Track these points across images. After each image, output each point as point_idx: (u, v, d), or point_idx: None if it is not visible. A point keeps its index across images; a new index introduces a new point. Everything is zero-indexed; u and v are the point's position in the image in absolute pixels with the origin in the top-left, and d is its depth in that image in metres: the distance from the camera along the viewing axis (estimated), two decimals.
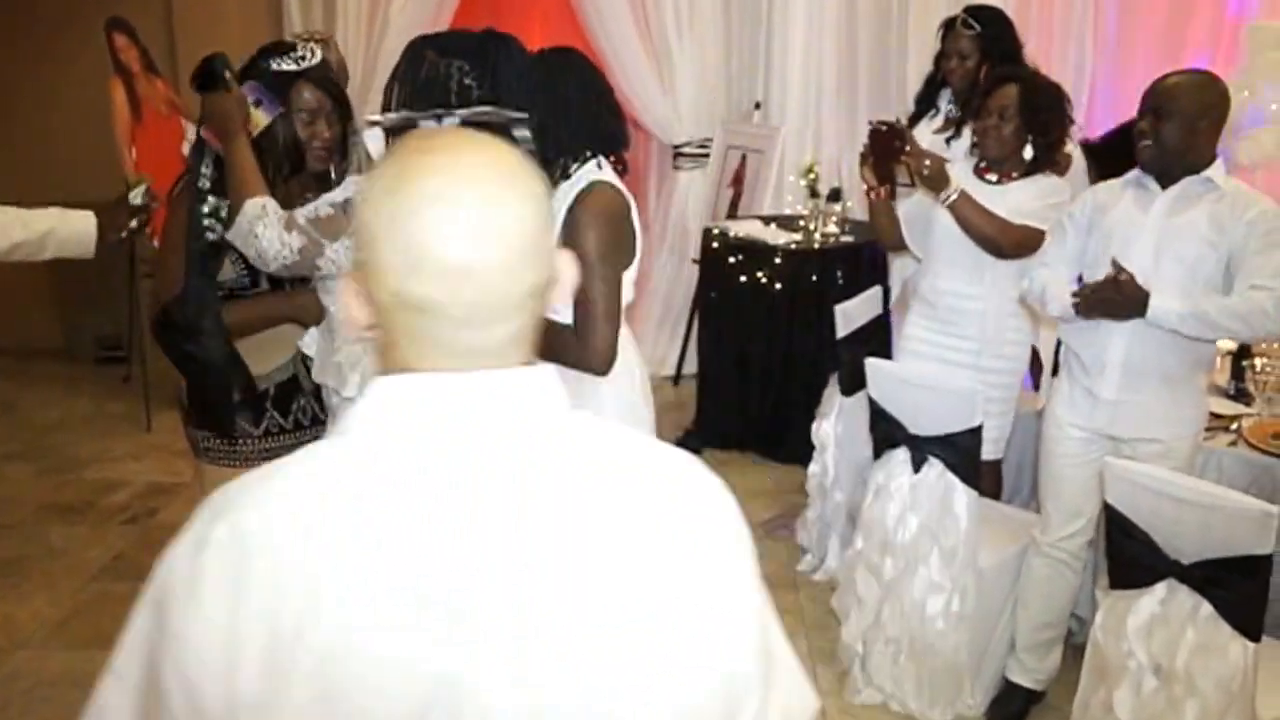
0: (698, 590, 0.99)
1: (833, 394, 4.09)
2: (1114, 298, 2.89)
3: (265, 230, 2.30)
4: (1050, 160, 3.47)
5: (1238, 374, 3.70)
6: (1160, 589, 2.64)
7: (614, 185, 2.50)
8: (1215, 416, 3.46)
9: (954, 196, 3.39)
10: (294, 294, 2.63)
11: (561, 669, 0.93)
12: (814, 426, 4.16)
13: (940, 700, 3.31)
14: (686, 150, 6.28)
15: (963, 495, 3.22)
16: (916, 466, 3.29)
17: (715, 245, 5.30)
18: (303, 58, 2.60)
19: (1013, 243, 3.37)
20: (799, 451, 4.41)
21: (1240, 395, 3.66)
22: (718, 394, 5.34)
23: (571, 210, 2.44)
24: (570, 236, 2.40)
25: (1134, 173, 3.07)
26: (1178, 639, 2.59)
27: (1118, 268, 2.87)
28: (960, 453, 3.22)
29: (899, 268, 4.47)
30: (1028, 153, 3.43)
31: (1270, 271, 2.81)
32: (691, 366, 5.90)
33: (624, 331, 2.60)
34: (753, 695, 1.02)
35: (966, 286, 3.56)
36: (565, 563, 0.94)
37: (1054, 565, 3.28)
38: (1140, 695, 2.66)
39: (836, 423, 4.05)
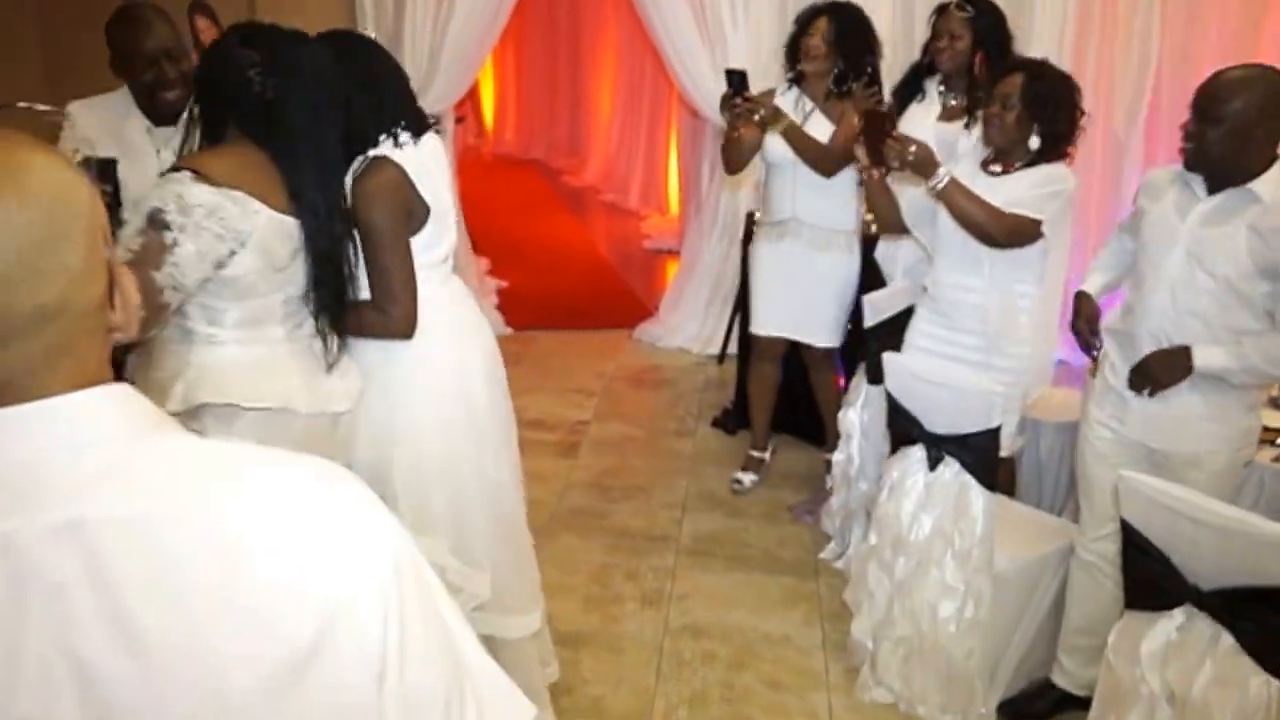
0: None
1: (860, 382, 3.77)
2: (1158, 374, 2.69)
3: None
4: (1057, 152, 3.10)
5: None
6: (1178, 614, 2.28)
7: (388, 159, 2.37)
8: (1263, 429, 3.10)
9: (943, 182, 3.05)
10: None
11: None
12: (840, 414, 3.84)
13: (951, 707, 2.99)
14: None
15: (979, 497, 2.90)
16: (932, 464, 2.98)
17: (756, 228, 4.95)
18: None
19: (1004, 231, 3.04)
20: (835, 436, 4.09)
21: None
22: None
23: (352, 191, 2.34)
24: (356, 215, 2.32)
25: (1181, 168, 2.71)
26: (1195, 669, 2.24)
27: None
28: (977, 453, 2.89)
29: (896, 256, 4.10)
30: (1034, 143, 3.07)
31: None
32: (736, 347, 5.57)
33: (459, 290, 2.63)
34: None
35: (965, 278, 3.21)
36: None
37: (1087, 569, 2.96)
38: None
39: (863, 411, 3.74)
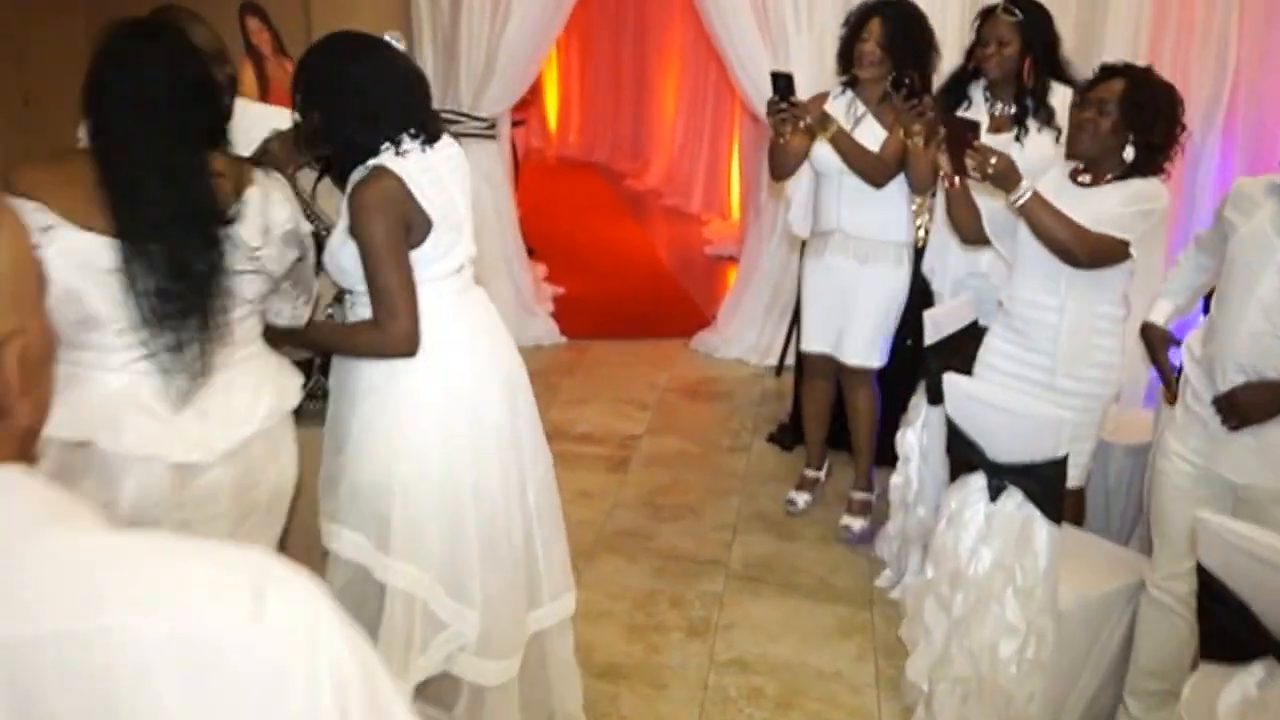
0: None
1: (920, 402, 3.58)
2: (1249, 410, 2.52)
3: None
4: (1152, 166, 2.89)
5: None
6: (1258, 669, 2.08)
7: (387, 169, 2.23)
8: None
9: (1025, 197, 2.88)
10: None
11: None
12: (898, 435, 3.66)
13: None
14: None
15: (1043, 530, 2.70)
16: (994, 494, 2.79)
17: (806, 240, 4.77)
18: None
19: (1088, 250, 2.85)
20: (894, 456, 3.91)
21: None
22: None
23: (349, 203, 2.25)
24: (353, 228, 2.23)
25: (1276, 180, 2.52)
26: None
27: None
28: (1042, 484, 2.70)
29: (945, 269, 3.92)
30: (1129, 154, 2.87)
31: None
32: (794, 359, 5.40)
33: (478, 301, 2.48)
34: None
35: (1042, 296, 3.02)
36: None
37: (1159, 609, 2.76)
38: None
39: (922, 433, 3.55)
